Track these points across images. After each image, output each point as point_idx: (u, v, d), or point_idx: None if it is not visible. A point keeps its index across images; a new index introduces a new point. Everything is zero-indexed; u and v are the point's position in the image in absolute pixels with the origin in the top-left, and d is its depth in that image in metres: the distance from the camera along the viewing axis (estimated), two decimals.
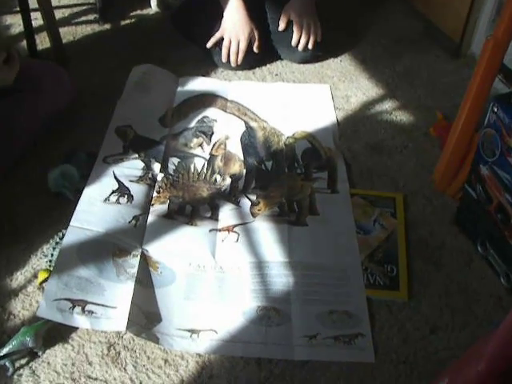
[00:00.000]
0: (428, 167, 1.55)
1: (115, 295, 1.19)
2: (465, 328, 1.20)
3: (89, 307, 1.16)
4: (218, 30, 1.89)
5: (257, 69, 1.94)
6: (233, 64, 1.89)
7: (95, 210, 1.35)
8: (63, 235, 1.29)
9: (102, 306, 1.17)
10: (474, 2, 1.92)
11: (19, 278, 1.25)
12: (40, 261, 1.28)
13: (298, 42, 1.90)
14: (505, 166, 1.18)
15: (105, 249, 1.27)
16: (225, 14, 1.90)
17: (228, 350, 1.14)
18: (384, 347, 1.16)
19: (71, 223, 1.31)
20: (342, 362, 1.14)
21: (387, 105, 1.80)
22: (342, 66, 1.98)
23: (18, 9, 1.81)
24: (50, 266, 1.24)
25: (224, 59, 1.89)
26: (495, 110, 1.19)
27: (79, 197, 1.38)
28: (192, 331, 1.16)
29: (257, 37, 1.89)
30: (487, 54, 1.39)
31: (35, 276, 1.24)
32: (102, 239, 1.28)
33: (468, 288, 1.27)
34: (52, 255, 1.26)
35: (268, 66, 1.96)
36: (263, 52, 1.94)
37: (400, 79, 1.92)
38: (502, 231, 1.23)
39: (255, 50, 1.90)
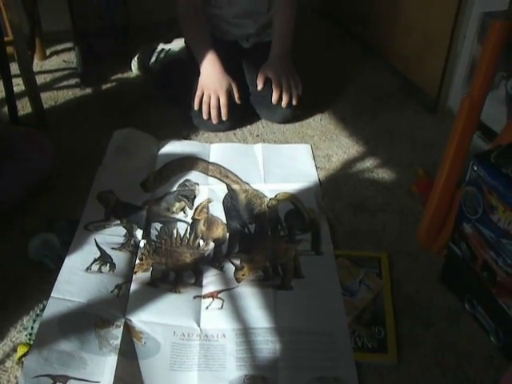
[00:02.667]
0: (412, 225, 1.55)
1: (98, 369, 1.16)
2: None
3: (71, 383, 1.13)
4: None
5: (237, 130, 1.96)
6: (214, 120, 1.89)
7: (77, 279, 1.33)
8: (44, 307, 1.26)
9: (85, 381, 1.13)
10: (449, 59, 1.97)
11: None
12: (19, 334, 1.24)
13: (278, 100, 1.92)
14: (488, 223, 1.18)
15: (87, 320, 1.24)
16: (201, 70, 1.93)
17: None
18: None
19: (52, 294, 1.29)
20: None
21: (368, 163, 1.81)
22: (322, 124, 2.00)
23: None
24: (29, 339, 1.21)
25: (205, 116, 1.89)
26: (475, 168, 1.20)
27: (61, 266, 1.36)
28: None
29: (235, 88, 1.91)
30: (464, 113, 1.42)
31: (14, 350, 1.21)
32: (84, 310, 1.26)
33: (458, 347, 1.25)
34: (32, 328, 1.23)
35: (249, 126, 1.98)
36: (244, 112, 1.96)
37: (380, 136, 1.94)
38: (488, 289, 1.23)
39: (237, 101, 1.92)
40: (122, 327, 1.23)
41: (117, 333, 1.22)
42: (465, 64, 1.90)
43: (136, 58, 2.26)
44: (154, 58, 2.23)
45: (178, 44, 2.27)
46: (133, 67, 2.28)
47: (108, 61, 2.35)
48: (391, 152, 1.86)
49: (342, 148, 1.88)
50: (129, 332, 1.24)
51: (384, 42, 2.38)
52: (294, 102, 1.93)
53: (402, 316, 1.31)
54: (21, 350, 1.19)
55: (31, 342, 1.20)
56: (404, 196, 1.67)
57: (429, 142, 1.90)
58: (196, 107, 1.90)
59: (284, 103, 1.91)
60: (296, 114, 1.99)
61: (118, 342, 1.20)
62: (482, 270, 1.24)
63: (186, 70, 2.02)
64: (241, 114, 1.96)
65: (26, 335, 1.23)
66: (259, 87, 1.93)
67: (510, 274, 1.15)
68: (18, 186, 1.53)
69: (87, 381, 1.14)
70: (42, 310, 1.26)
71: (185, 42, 2.13)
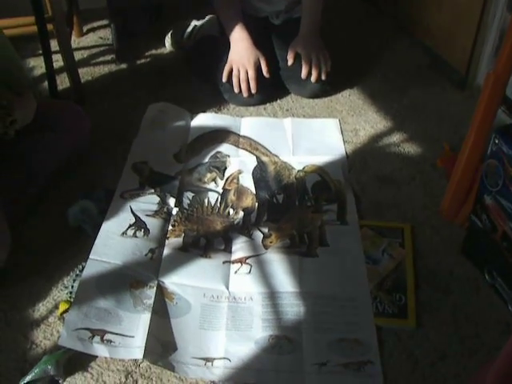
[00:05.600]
0: (435, 198, 1.58)
1: (132, 325, 1.23)
2: (473, 355, 1.21)
3: (107, 336, 1.21)
4: None
5: (268, 104, 1.99)
6: (244, 93, 1.93)
7: (113, 243, 1.40)
8: (83, 268, 1.34)
9: (120, 335, 1.21)
10: (478, 36, 1.97)
11: (41, 308, 1.29)
12: (61, 292, 1.33)
13: (307, 75, 1.95)
14: (508, 195, 1.22)
15: (122, 281, 1.32)
16: (231, 45, 1.97)
17: (241, 377, 1.17)
18: (393, 374, 1.18)
19: (90, 256, 1.36)
20: None
21: (395, 137, 1.84)
22: (350, 100, 2.03)
23: (41, 51, 1.89)
24: (70, 297, 1.30)
25: (236, 89, 1.94)
26: (496, 141, 1.22)
27: (98, 231, 1.43)
28: (206, 359, 1.19)
29: (264, 63, 1.94)
30: (488, 88, 1.43)
31: (56, 307, 1.29)
32: (120, 271, 1.33)
33: (476, 316, 1.29)
34: (72, 287, 1.32)
35: (279, 101, 2.01)
36: (274, 87, 2.00)
37: (407, 112, 1.96)
38: (507, 259, 1.26)
39: (265, 74, 1.95)
40: (155, 288, 1.31)
41: (150, 293, 1.30)
42: (492, 42, 1.91)
43: (170, 35, 2.30)
44: (186, 35, 2.27)
45: (210, 20, 2.30)
46: (166, 43, 2.32)
47: (142, 37, 2.39)
48: (418, 127, 1.88)
49: (370, 123, 1.90)
50: (161, 293, 1.31)
51: (414, 18, 2.37)
52: (323, 77, 1.95)
53: (422, 285, 1.35)
54: (62, 307, 1.28)
55: (71, 300, 1.28)
56: (429, 170, 1.70)
57: (456, 118, 1.91)
58: (224, 79, 1.94)
59: (313, 78, 1.94)
60: (325, 89, 2.01)
61: (151, 301, 1.28)
62: (501, 240, 1.27)
63: (217, 45, 2.06)
64: (271, 89, 2.00)
65: (67, 293, 1.31)
66: (289, 63, 1.96)
67: None
68: (58, 155, 1.59)
69: (123, 335, 1.21)
70: (81, 271, 1.34)
71: (217, 18, 2.17)
